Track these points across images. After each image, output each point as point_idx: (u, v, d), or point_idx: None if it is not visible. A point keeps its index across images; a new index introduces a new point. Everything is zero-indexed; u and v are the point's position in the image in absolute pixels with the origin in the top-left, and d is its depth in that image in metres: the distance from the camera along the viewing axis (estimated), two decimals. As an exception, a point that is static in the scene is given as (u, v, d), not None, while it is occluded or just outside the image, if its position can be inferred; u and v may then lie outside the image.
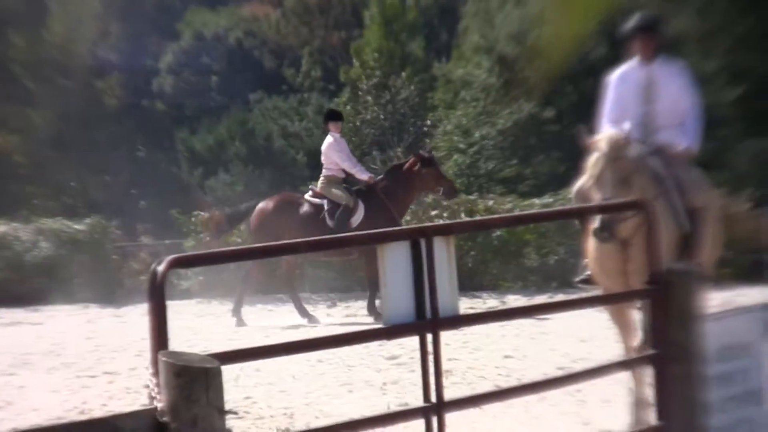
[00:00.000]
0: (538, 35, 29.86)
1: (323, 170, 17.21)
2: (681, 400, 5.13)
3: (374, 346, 11.92)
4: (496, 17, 33.45)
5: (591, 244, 8.11)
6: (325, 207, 16.81)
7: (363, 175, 17.05)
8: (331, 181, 17.04)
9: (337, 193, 16.85)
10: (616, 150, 7.65)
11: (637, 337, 7.85)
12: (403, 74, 35.27)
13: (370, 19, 39.72)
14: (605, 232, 7.35)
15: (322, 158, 17.26)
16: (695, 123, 8.86)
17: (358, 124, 35.36)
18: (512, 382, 9.26)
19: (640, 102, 8.83)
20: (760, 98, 29.45)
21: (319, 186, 17.16)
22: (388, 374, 11.09)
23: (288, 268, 17.56)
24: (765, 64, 31.10)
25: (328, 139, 17.22)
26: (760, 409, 5.52)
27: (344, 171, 17.05)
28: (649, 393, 5.52)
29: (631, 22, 8.97)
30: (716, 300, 14.09)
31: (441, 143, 31.79)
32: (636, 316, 7.79)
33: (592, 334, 12.35)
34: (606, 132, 8.05)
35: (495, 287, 19.59)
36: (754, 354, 5.37)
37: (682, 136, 8.75)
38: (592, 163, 7.73)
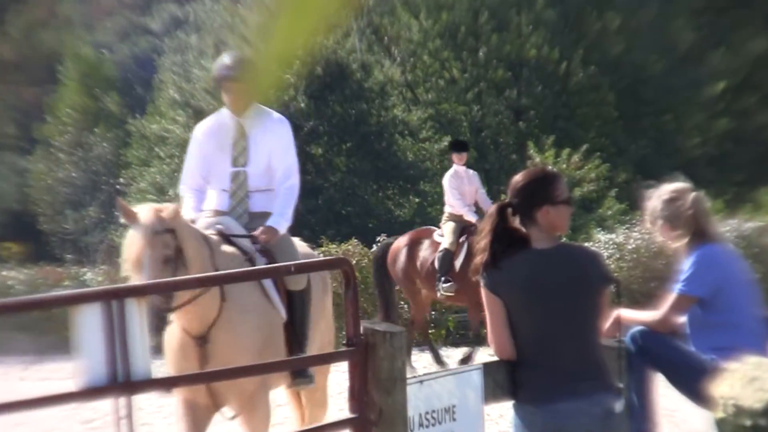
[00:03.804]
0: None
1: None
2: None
3: (70, 409, 11.69)
4: (193, 70, 33.45)
5: (168, 338, 6.75)
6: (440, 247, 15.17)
7: (470, 216, 15.00)
8: (447, 219, 15.35)
9: (444, 232, 15.16)
10: (159, 223, 6.31)
11: None
12: (96, 130, 34.79)
13: (65, 75, 39.08)
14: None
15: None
16: (288, 194, 7.51)
17: (50, 182, 34.57)
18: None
19: (229, 162, 7.45)
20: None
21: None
22: (83, 438, 11.01)
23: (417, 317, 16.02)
24: (468, 117, 32.41)
25: (449, 173, 15.57)
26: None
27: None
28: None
29: (219, 67, 7.50)
30: (421, 362, 14.49)
31: (135, 202, 31.33)
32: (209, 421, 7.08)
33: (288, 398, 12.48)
34: (147, 205, 6.52)
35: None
36: (458, 417, 5.23)
37: (272, 208, 7.43)
38: (129, 241, 6.33)
